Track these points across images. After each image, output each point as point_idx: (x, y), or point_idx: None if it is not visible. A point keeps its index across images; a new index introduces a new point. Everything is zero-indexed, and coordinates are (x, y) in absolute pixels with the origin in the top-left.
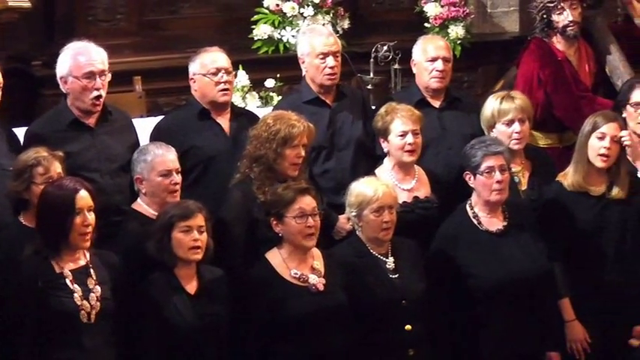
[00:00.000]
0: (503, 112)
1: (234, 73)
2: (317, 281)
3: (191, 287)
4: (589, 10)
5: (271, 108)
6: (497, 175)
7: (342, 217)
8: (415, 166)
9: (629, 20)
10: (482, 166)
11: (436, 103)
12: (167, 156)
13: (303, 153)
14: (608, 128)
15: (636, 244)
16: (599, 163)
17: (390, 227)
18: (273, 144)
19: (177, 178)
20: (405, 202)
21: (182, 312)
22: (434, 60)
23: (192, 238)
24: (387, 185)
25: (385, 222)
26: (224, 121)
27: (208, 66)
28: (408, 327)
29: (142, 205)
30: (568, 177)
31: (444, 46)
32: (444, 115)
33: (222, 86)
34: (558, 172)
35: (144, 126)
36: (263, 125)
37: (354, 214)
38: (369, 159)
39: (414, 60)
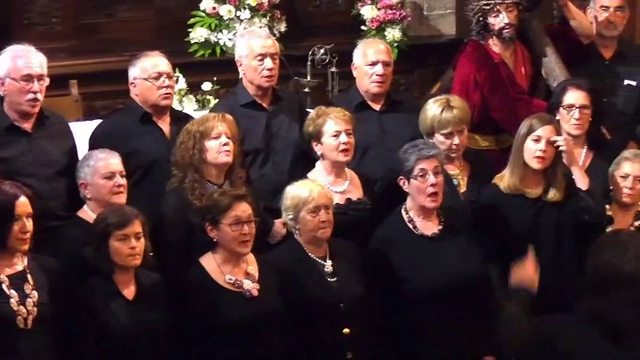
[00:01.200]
0: (443, 125)
1: (174, 77)
2: (251, 287)
3: (129, 292)
4: (525, 12)
5: (208, 111)
6: (431, 178)
7: (277, 222)
8: (346, 169)
9: (565, 22)
10: (416, 170)
11: (376, 106)
12: (110, 159)
13: (227, 141)
14: (544, 131)
15: (572, 247)
16: (534, 165)
17: (328, 226)
18: (191, 142)
19: (122, 180)
20: (337, 204)
21: (120, 317)
22: (374, 64)
23: (130, 246)
24: (322, 186)
25: (322, 222)
26: (165, 125)
27: (149, 70)
28: (345, 330)
29: (86, 212)
30: (504, 179)
31: (385, 50)
32: (384, 118)
33: (163, 91)
34: (497, 174)
35: (80, 130)
36: (184, 132)
37: (290, 216)
38: (306, 162)
39: (355, 64)
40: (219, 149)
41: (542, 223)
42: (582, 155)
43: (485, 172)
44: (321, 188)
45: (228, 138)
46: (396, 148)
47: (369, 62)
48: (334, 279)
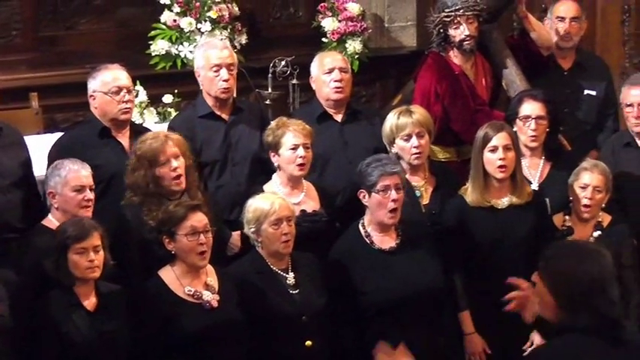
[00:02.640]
0: (401, 127)
1: (134, 91)
2: (211, 298)
3: (90, 304)
4: (485, 24)
5: (168, 123)
6: (393, 194)
7: (234, 234)
8: (303, 180)
9: (525, 34)
10: (379, 185)
11: (338, 117)
12: (81, 172)
13: (177, 164)
14: (498, 139)
15: (536, 256)
16: (499, 175)
17: (290, 239)
18: (141, 170)
19: (90, 194)
20: None
21: (81, 328)
22: (331, 71)
23: (89, 259)
24: (283, 198)
25: (284, 234)
26: (124, 139)
27: (110, 84)
28: (308, 343)
29: (52, 221)
30: (468, 193)
31: (341, 58)
32: (345, 128)
33: (123, 105)
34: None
35: (41, 143)
36: (134, 155)
37: (252, 229)
38: (265, 173)
39: (313, 76)
40: (170, 176)
41: (509, 232)
42: (540, 166)
43: (450, 185)
44: (283, 200)
45: (177, 158)
46: (358, 160)
47: (326, 70)
48: (296, 291)
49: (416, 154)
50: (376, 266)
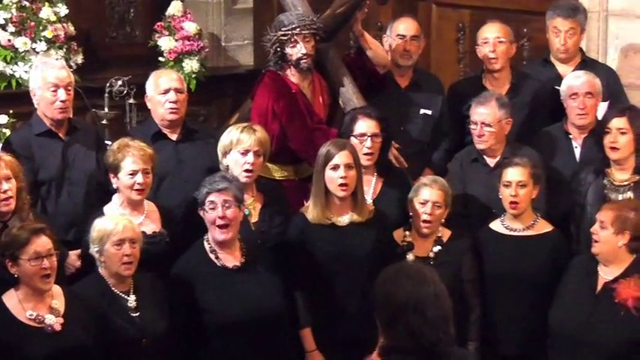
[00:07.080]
0: (241, 141)
1: None
2: (54, 321)
3: None
4: (322, 42)
5: (1, 144)
6: (219, 211)
7: (71, 254)
8: (145, 201)
9: (361, 52)
10: (206, 202)
11: (173, 136)
12: None
13: (8, 186)
14: (340, 157)
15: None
16: (340, 193)
17: (132, 262)
18: None
19: None
20: None
21: None
22: (166, 92)
23: None
24: (130, 220)
25: (126, 255)
26: None
27: None
28: None
29: None
30: (309, 211)
31: (176, 78)
32: (180, 147)
33: None
34: (292, 205)
35: None
36: None
37: (96, 249)
38: (102, 194)
39: (148, 95)
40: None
41: (351, 249)
42: (372, 182)
43: (279, 203)
44: (129, 222)
45: (9, 180)
46: (193, 178)
47: (162, 91)
48: (137, 314)
49: (248, 171)
50: (220, 284)
